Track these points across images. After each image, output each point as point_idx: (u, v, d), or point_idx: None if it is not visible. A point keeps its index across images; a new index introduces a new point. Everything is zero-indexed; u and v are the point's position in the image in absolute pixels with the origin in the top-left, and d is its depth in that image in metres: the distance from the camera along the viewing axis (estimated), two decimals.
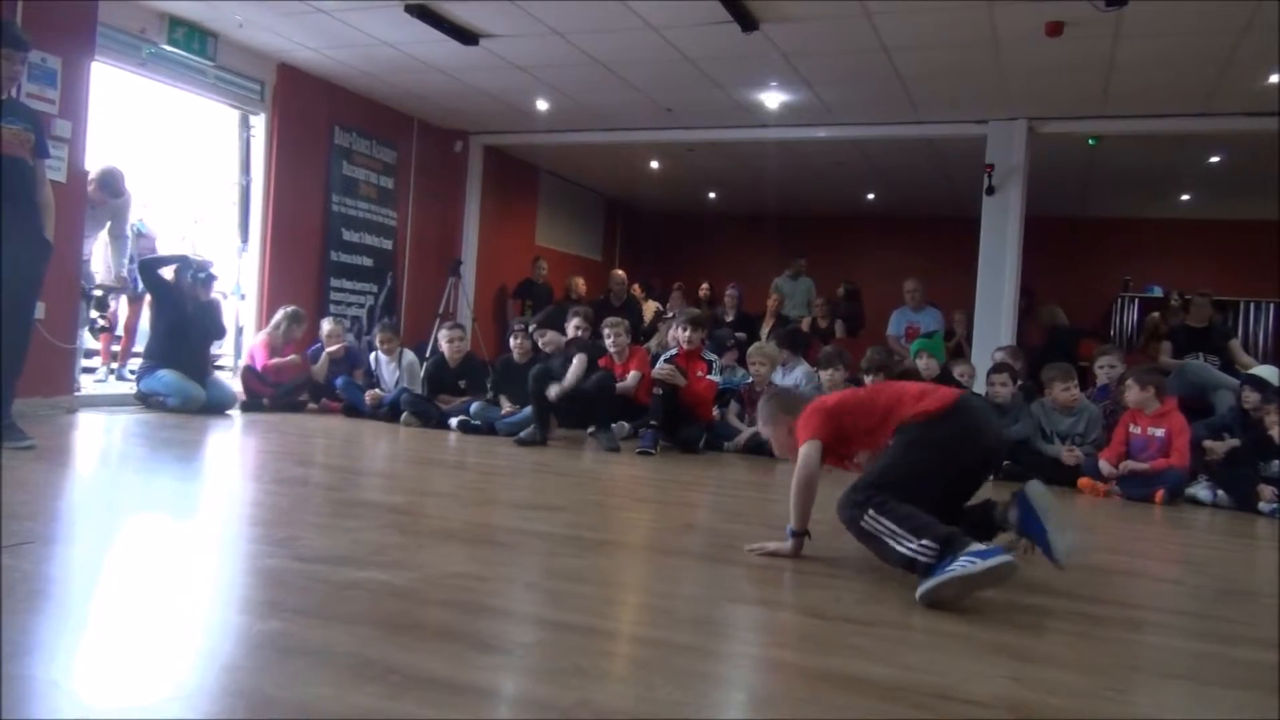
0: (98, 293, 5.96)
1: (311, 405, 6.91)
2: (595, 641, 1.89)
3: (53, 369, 5.30)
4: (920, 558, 2.32)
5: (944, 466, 2.63)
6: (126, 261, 6.34)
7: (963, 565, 2.23)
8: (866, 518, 2.47)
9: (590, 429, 5.83)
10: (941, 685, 1.72)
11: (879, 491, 2.50)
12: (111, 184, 6.05)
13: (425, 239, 9.20)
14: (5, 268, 3.74)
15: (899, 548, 2.37)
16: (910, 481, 2.54)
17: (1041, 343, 8.21)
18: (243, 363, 7.05)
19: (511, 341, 6.63)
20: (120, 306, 6.78)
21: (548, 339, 6.35)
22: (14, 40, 3.88)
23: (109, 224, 6.19)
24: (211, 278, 6.30)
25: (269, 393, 6.64)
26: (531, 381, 5.74)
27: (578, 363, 5.85)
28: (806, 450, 2.76)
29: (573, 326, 6.34)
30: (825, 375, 6.05)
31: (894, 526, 2.41)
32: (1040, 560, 2.55)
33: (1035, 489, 2.57)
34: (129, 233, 6.43)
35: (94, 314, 5.90)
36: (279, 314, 6.89)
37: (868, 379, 6.26)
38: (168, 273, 6.19)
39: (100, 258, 6.26)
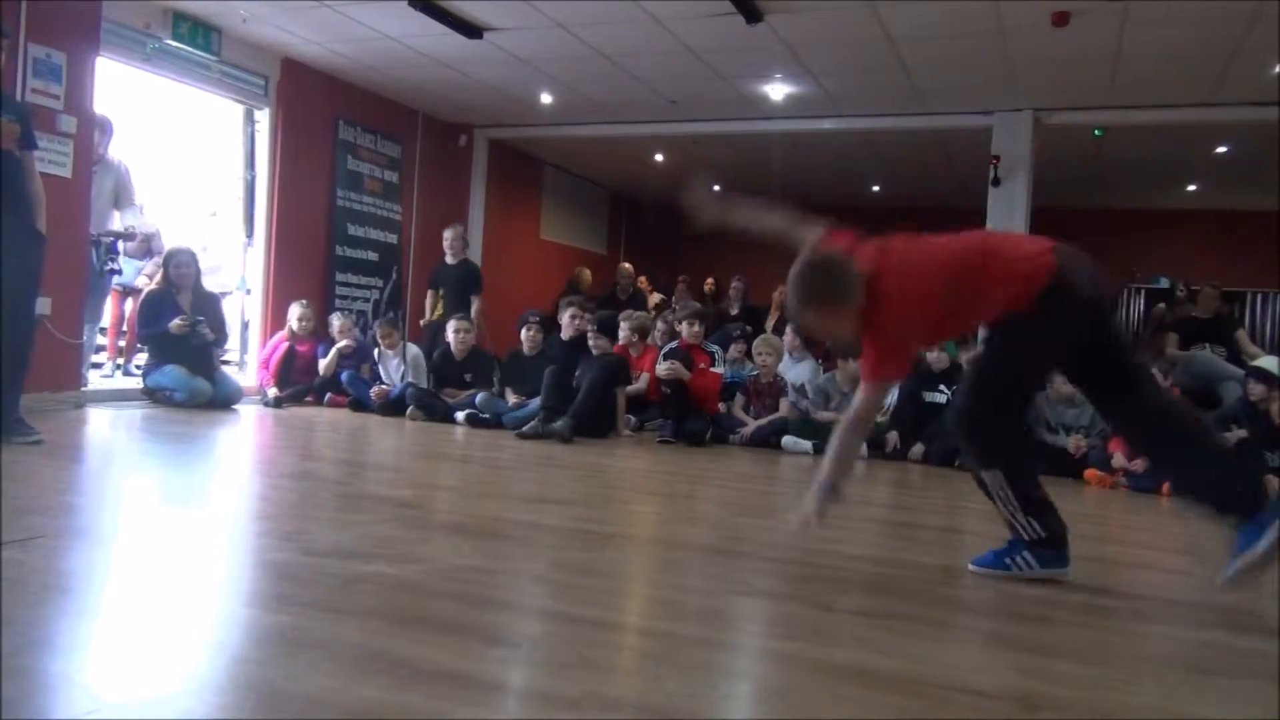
0: (106, 240, 5.90)
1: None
2: (602, 634, 1.89)
3: (60, 364, 5.31)
4: (1025, 535, 2.43)
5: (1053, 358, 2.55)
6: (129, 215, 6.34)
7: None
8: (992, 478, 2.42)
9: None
10: (948, 677, 1.72)
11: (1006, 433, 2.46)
12: (99, 124, 5.97)
13: (430, 233, 9.18)
14: (3, 263, 3.74)
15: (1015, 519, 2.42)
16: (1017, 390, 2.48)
17: None
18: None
19: (523, 333, 6.62)
20: (126, 305, 6.80)
21: (600, 345, 6.25)
22: None
23: (115, 196, 6.10)
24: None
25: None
26: (547, 375, 5.75)
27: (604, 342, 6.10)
28: (868, 394, 2.53)
29: (568, 317, 6.33)
30: (853, 365, 6.04)
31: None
32: None
33: None
34: (134, 200, 6.39)
35: (106, 257, 5.87)
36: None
37: None
38: (158, 279, 6.21)
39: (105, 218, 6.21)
